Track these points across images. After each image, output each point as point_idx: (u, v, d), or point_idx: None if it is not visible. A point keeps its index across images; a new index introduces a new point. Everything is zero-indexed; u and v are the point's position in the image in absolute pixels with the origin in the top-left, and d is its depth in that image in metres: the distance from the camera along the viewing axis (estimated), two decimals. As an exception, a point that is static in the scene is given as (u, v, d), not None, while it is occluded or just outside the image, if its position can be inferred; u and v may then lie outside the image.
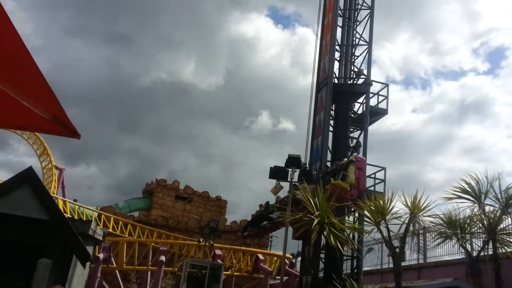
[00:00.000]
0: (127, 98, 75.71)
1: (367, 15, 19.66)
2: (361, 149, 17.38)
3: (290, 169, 14.34)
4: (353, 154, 16.34)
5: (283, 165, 14.66)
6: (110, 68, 72.82)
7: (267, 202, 19.75)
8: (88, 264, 11.01)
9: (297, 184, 14.87)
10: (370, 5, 19.71)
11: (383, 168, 17.05)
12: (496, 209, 9.86)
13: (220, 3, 78.18)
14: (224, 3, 79.77)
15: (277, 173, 14.52)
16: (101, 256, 20.78)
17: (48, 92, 3.95)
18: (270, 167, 14.70)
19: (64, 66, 74.32)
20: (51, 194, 23.88)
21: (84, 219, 20.05)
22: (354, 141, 18.01)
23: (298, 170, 14.65)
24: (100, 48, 75.95)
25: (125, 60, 77.40)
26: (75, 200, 30.16)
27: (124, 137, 78.97)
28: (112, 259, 22.41)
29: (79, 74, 72.96)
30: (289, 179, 14.40)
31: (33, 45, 71.12)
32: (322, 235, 12.04)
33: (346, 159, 15.82)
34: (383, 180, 16.89)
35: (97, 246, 15.47)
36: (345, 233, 12.67)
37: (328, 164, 17.09)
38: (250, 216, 24.11)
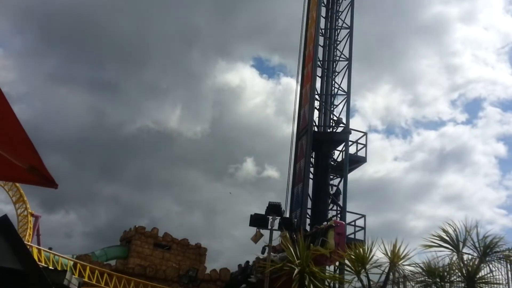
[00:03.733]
0: (110, 145, 75.19)
1: (345, 66, 20.30)
2: (341, 196, 17.47)
3: (270, 217, 14.26)
4: (332, 219, 16.18)
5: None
6: (95, 115, 72.58)
7: (247, 262, 18.98)
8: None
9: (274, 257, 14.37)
10: (348, 57, 20.38)
11: (363, 216, 17.10)
12: (474, 257, 9.91)
13: (206, 52, 79.67)
14: (210, 53, 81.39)
15: (257, 221, 14.41)
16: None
17: (25, 141, 3.95)
18: (251, 215, 14.60)
19: (47, 113, 73.88)
20: (26, 242, 23.17)
21: (59, 268, 19.42)
22: (335, 188, 18.12)
23: (279, 217, 14.57)
24: (84, 95, 76.00)
25: (110, 108, 77.43)
26: (50, 248, 29.27)
27: (105, 184, 77.79)
28: (87, 310, 21.54)
29: (62, 121, 72.53)
30: (269, 227, 14.28)
31: (17, 92, 70.57)
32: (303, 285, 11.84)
33: (325, 223, 15.65)
34: (363, 228, 16.90)
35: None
36: (326, 282, 12.51)
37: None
38: (231, 269, 23.51)
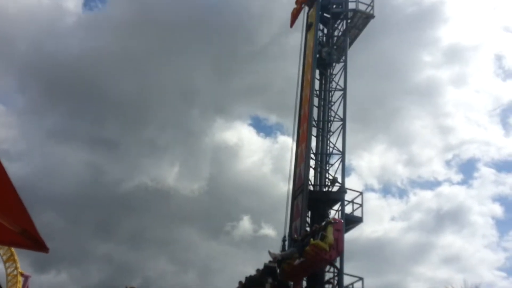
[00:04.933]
0: (107, 203, 74.53)
1: (339, 126, 20.60)
2: (338, 258, 17.13)
3: (266, 280, 13.94)
4: (331, 216, 16.50)
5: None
6: (93, 172, 72.62)
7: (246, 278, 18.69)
8: None
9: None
10: (342, 117, 20.74)
11: (361, 279, 16.70)
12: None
13: (205, 111, 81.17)
14: (209, 111, 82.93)
15: (251, 285, 14.09)
16: None
17: (18, 204, 3.94)
18: (246, 277, 14.28)
19: (45, 170, 73.96)
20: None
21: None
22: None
23: (275, 281, 14.24)
24: (84, 152, 76.39)
25: (108, 165, 77.67)
26: (37, 311, 28.29)
27: (99, 242, 76.27)
28: None
29: (60, 179, 72.46)
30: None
31: (17, 149, 71.24)
32: None
33: (324, 222, 15.90)
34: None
35: None
36: None
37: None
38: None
